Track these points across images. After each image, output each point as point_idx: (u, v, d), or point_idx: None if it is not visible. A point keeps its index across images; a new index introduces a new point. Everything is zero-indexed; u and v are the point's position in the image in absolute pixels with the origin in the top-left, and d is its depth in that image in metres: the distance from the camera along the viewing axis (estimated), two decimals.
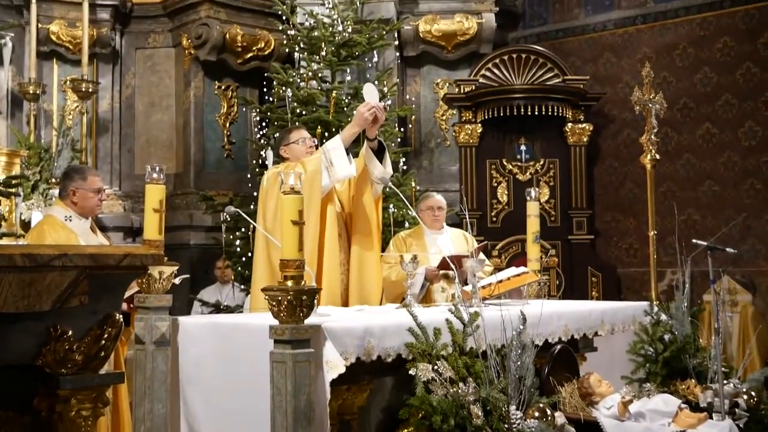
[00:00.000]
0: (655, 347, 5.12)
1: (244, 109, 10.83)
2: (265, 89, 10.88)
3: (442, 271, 6.24)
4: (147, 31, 10.98)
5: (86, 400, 2.74)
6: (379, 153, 5.16)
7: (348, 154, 4.98)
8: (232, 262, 9.16)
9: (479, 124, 10.03)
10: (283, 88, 9.00)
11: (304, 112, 8.89)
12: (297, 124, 5.24)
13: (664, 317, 5.23)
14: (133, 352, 4.09)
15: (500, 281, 5.12)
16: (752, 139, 9.78)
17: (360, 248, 5.19)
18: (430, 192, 7.11)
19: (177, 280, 4.64)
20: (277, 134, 5.63)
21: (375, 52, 9.65)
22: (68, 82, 10.13)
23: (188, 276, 5.67)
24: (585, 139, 10.06)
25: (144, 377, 3.91)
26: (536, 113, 9.69)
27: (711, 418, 4.68)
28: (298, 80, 9.17)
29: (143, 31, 10.98)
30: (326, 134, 8.63)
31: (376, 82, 9.34)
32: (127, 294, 4.81)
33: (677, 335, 5.11)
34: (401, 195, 6.09)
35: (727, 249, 5.61)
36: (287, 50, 10.05)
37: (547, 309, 4.51)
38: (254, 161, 10.06)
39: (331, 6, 9.38)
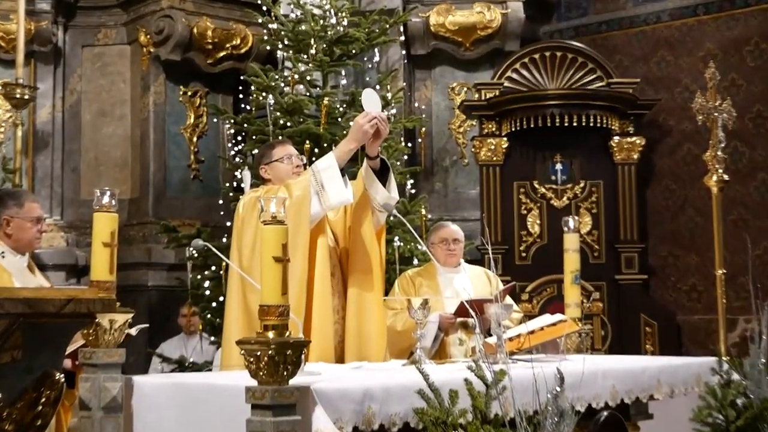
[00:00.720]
0: (726, 414, 5.08)
1: (215, 120, 10.86)
2: (241, 96, 10.89)
3: (459, 319, 6.22)
4: (96, 25, 11.05)
5: None
6: (381, 174, 5.16)
7: (343, 175, 4.99)
8: (199, 308, 9.14)
9: (504, 138, 10.04)
10: (264, 94, 9.03)
11: (289, 124, 8.92)
12: (281, 138, 5.26)
13: (736, 376, 5.19)
14: (77, 419, 4.06)
15: (532, 332, 5.10)
16: None
17: (358, 291, 5.18)
18: (444, 221, 7.11)
19: (133, 331, 4.62)
20: (257, 150, 5.64)
21: (376, 50, 9.70)
22: None
23: (146, 326, 5.66)
24: (635, 156, 10.07)
25: None
26: (575, 124, 9.71)
27: None
28: (282, 84, 9.19)
29: (92, 25, 11.04)
30: (316, 151, 8.65)
31: (378, 87, 9.38)
32: (70, 348, 4.80)
33: (753, 399, 5.07)
34: (409, 225, 6.08)
35: None
36: (268, 48, 10.08)
37: (590, 366, 4.48)
38: (228, 184, 10.06)
39: None
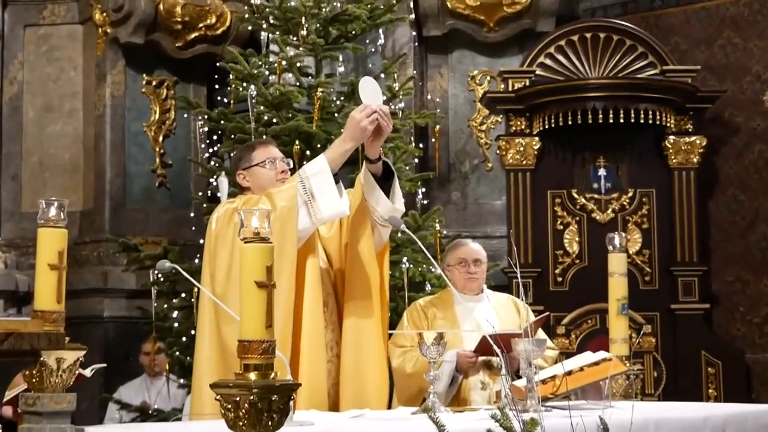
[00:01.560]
0: None
1: (185, 116, 10.89)
2: (216, 86, 10.92)
3: (481, 358, 6.22)
4: (42, 0, 11.07)
5: None
6: (384, 181, 5.17)
7: (338, 182, 5.00)
8: (166, 344, 9.15)
9: (536, 138, 10.05)
10: (244, 84, 9.05)
11: (275, 120, 8.93)
12: (264, 137, 5.25)
13: None
14: None
15: (569, 373, 5.10)
16: None
17: (356, 323, 5.17)
18: (462, 239, 7.10)
19: (86, 372, 4.62)
20: (234, 153, 5.65)
21: (381, 30, 9.72)
22: None
23: (103, 365, 5.66)
24: (695, 160, 10.07)
25: None
26: (621, 121, 9.71)
27: None
28: (266, 73, 9.21)
29: (36, 0, 11.07)
30: (308, 153, 8.67)
31: (383, 76, 9.40)
32: (10, 394, 4.80)
33: None
34: (420, 243, 6.07)
35: None
36: (250, 28, 10.11)
37: (640, 415, 4.48)
38: (200, 193, 10.08)
39: None
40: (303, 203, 4.94)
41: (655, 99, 9.85)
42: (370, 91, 5.06)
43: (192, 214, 9.87)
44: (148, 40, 10.70)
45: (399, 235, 8.38)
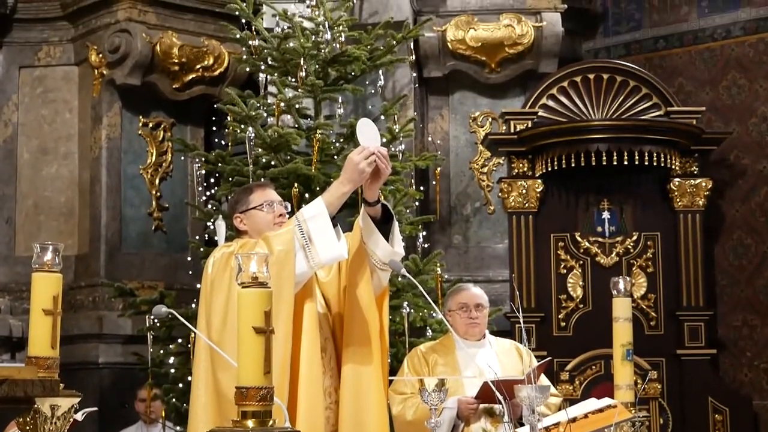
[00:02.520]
0: None
1: (182, 158, 10.90)
2: (214, 128, 10.94)
3: (483, 405, 6.21)
4: (37, 41, 11.13)
5: None
6: (384, 223, 5.18)
7: (335, 225, 5.00)
8: (162, 390, 9.13)
9: (539, 180, 10.07)
10: (242, 126, 9.07)
11: (273, 163, 8.95)
12: (262, 180, 5.26)
13: None
14: None
15: (573, 420, 5.10)
16: None
17: (354, 369, 5.16)
18: (464, 283, 7.11)
19: (78, 416, 4.61)
20: (232, 196, 5.66)
21: (381, 71, 9.74)
22: None
23: (94, 409, 5.67)
24: (701, 203, 10.09)
25: None
26: (625, 163, 9.73)
27: None
28: (265, 114, 9.24)
29: (31, 41, 11.12)
30: (307, 196, 8.68)
31: (383, 118, 9.42)
32: None
33: None
34: (421, 288, 6.08)
35: None
36: (248, 69, 10.15)
37: None
38: (197, 237, 10.09)
39: (314, 4, 9.51)
40: (300, 247, 4.94)
41: (660, 141, 9.87)
42: (368, 132, 5.07)
43: (189, 258, 9.87)
44: (144, 82, 10.74)
45: (399, 279, 8.39)
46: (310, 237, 4.93)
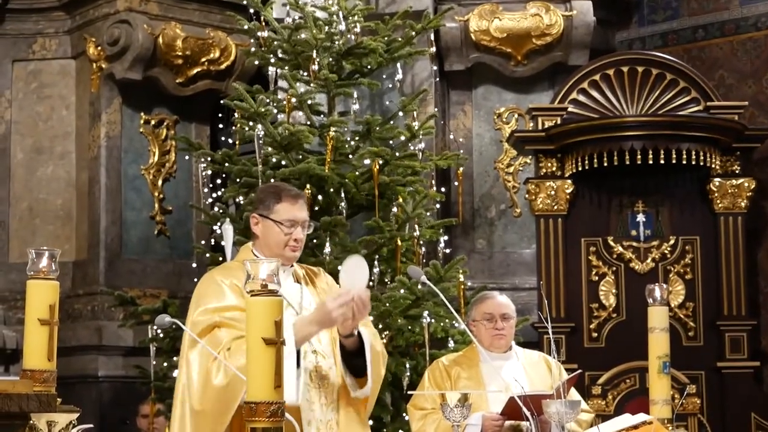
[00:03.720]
0: None
1: (186, 158, 10.92)
2: (220, 126, 10.95)
3: (509, 422, 6.21)
4: (32, 33, 11.15)
5: None
6: (357, 355, 5.19)
7: (298, 366, 5.00)
8: (165, 405, 9.14)
9: (568, 181, 10.07)
10: (251, 123, 9.08)
11: (284, 162, 8.96)
12: (295, 191, 5.16)
13: None
14: None
15: None
16: None
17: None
18: (488, 291, 7.09)
19: None
20: (241, 198, 5.68)
21: (399, 64, 9.75)
22: None
23: (90, 426, 5.67)
24: (743, 204, 10.08)
25: None
26: (662, 162, 9.72)
27: None
28: (275, 111, 9.25)
29: (25, 33, 11.15)
30: (319, 198, 8.68)
31: (401, 114, 9.41)
32: None
33: None
34: (442, 296, 6.09)
35: None
36: (257, 63, 10.16)
37: None
38: (203, 241, 10.10)
39: None
40: None
41: (699, 138, 9.86)
42: (353, 272, 5.04)
43: (194, 265, 9.88)
44: (146, 76, 10.75)
45: (420, 287, 8.40)
46: None
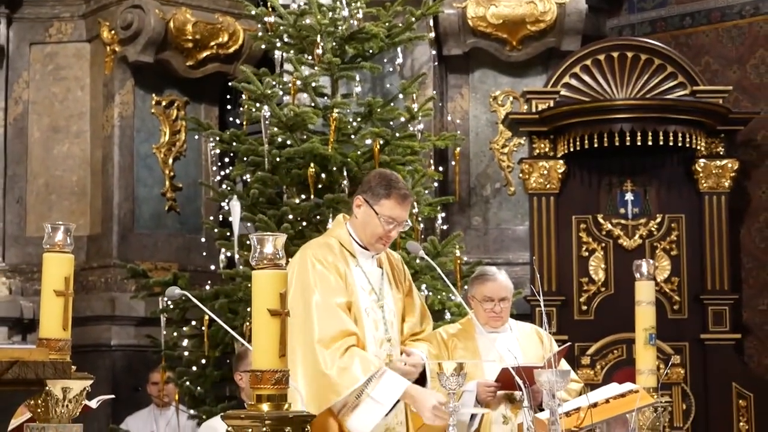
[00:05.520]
0: None
1: (196, 137, 10.91)
2: (228, 107, 10.94)
3: (501, 392, 6.21)
4: (48, 17, 11.13)
5: None
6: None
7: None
8: (175, 373, 9.15)
9: (561, 161, 10.05)
10: (257, 104, 9.07)
11: (289, 142, 8.95)
12: (405, 191, 5.20)
13: None
14: None
15: (594, 405, 5.09)
16: None
17: None
18: (486, 267, 6.99)
19: (93, 403, 4.62)
20: (373, 175, 5.68)
21: (399, 49, 9.74)
22: None
23: (111, 396, 5.68)
24: (727, 184, 10.06)
25: None
26: (650, 143, 9.71)
27: None
28: (280, 93, 9.24)
29: (42, 17, 11.13)
30: (323, 176, 8.68)
31: (401, 96, 9.41)
32: (14, 423, 4.81)
33: None
34: (439, 270, 6.09)
35: None
36: (264, 47, 10.15)
37: None
38: (211, 217, 10.09)
39: None
40: (344, 399, 5.08)
41: (685, 121, 9.84)
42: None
43: (203, 240, 9.89)
44: (157, 59, 10.74)
45: (418, 261, 8.40)
46: (356, 405, 5.05)
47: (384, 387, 5.07)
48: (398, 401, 5.11)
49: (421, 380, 5.42)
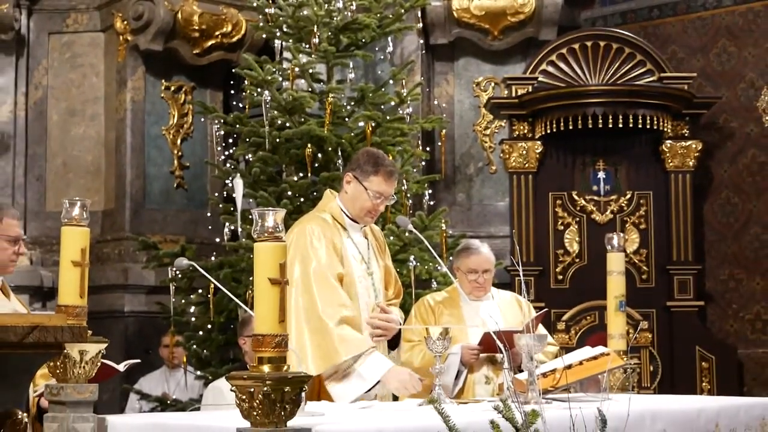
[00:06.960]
0: None
1: (202, 120, 10.90)
2: (232, 92, 10.92)
3: (484, 354, 6.22)
4: (65, 9, 11.10)
5: None
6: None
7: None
8: (184, 337, 9.16)
9: (538, 142, 10.05)
10: (259, 89, 9.07)
11: (288, 124, 8.95)
12: (391, 167, 5.18)
13: None
14: None
15: (569, 366, 5.11)
16: None
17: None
18: (471, 241, 6.98)
19: (121, 367, 4.64)
20: (362, 153, 5.65)
21: (390, 38, 9.72)
22: None
23: (137, 361, 5.71)
24: (691, 163, 10.07)
25: None
26: (620, 126, 9.71)
27: None
28: (280, 79, 9.22)
29: (60, 9, 11.09)
30: (319, 155, 8.68)
31: (391, 82, 9.40)
32: (42, 383, 4.82)
33: None
34: (427, 243, 6.09)
35: None
36: (264, 36, 10.13)
37: (637, 407, 4.49)
38: (216, 194, 10.09)
39: None
40: (334, 365, 5.06)
41: (653, 105, 9.85)
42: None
43: (208, 214, 9.89)
44: (166, 48, 10.72)
45: (407, 234, 8.40)
46: (344, 375, 5.07)
47: (370, 365, 5.07)
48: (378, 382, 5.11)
49: (394, 342, 5.45)
